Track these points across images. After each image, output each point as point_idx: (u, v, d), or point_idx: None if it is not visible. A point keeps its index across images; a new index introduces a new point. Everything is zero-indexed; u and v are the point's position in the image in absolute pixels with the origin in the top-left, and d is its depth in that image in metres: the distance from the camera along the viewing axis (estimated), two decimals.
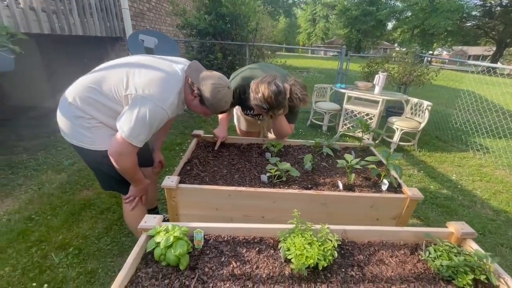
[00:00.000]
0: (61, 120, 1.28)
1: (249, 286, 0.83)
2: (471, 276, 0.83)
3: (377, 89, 3.81)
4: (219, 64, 4.81)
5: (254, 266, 0.90)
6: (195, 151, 1.71)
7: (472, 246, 0.97)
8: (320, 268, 0.86)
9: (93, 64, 1.36)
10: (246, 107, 1.80)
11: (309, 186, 1.38)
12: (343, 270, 0.90)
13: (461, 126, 4.60)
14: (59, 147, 3.33)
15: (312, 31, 43.33)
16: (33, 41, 3.96)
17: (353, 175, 1.38)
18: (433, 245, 0.97)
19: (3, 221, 2.05)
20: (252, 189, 1.29)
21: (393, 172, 1.44)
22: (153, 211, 1.93)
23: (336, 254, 0.90)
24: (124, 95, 1.19)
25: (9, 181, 2.59)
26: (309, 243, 0.90)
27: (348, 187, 1.39)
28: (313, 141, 1.75)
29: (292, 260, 0.86)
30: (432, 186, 2.95)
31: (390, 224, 1.39)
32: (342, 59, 5.16)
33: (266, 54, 5.67)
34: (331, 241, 0.92)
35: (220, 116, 1.82)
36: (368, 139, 4.01)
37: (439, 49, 30.63)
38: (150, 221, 0.99)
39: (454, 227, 1.02)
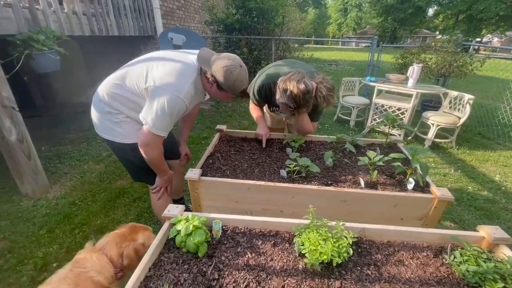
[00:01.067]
0: (94, 116, 1.40)
1: (263, 276, 0.86)
2: (501, 285, 0.77)
3: (410, 82, 3.57)
4: (245, 59, 4.86)
5: (269, 258, 0.93)
6: (218, 145, 1.76)
7: (505, 253, 0.90)
8: (334, 264, 0.86)
9: (127, 62, 1.46)
10: (272, 104, 1.81)
11: (329, 182, 1.36)
12: (359, 268, 0.89)
13: (510, 122, 4.13)
14: (98, 139, 3.63)
15: (343, 22, 41.42)
16: (75, 43, 4.32)
17: (375, 172, 1.33)
18: (459, 249, 0.91)
19: (52, 205, 2.32)
20: (270, 183, 1.31)
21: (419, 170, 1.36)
22: (179, 201, 2.05)
23: (351, 252, 0.89)
24: (144, 88, 1.27)
25: (57, 169, 2.90)
26: (323, 239, 0.90)
27: (371, 185, 1.34)
28: (335, 137, 1.71)
29: (306, 255, 0.87)
30: (470, 187, 2.71)
31: (416, 225, 1.32)
32: (373, 50, 4.90)
33: (293, 48, 5.58)
34: (346, 238, 0.91)
35: (254, 116, 1.86)
36: (399, 135, 3.83)
37: (489, 35, 27.46)
38: (173, 210, 1.06)
39: (486, 231, 0.95)
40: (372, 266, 0.90)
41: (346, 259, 0.88)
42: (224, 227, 1.06)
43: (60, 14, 2.50)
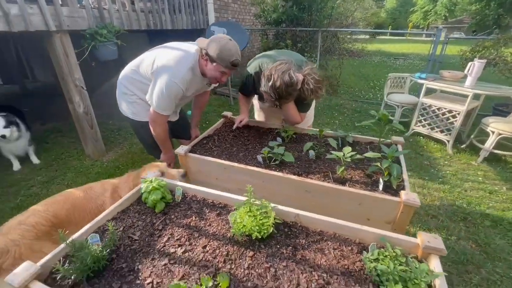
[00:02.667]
0: (117, 96, 1.75)
1: (195, 236, 1.03)
2: (400, 287, 0.76)
3: (469, 80, 3.05)
4: None
5: (207, 224, 1.09)
6: (219, 129, 1.96)
7: (432, 263, 0.84)
8: (254, 237, 0.96)
9: None
10: (260, 95, 1.89)
11: (300, 172, 1.41)
12: (278, 246, 0.97)
13: None
14: None
15: (431, 9, 35.76)
16: (132, 36, 5.07)
17: (342, 168, 1.31)
18: (380, 249, 0.90)
19: (103, 166, 2.93)
20: (242, 165, 1.44)
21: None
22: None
23: (272, 230, 0.97)
24: (150, 73, 1.53)
25: (114, 139, 3.59)
26: (252, 215, 1.01)
27: (341, 181, 1.34)
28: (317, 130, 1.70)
29: (232, 225, 1.00)
30: None
31: (384, 228, 1.26)
32: (436, 43, 4.27)
33: (344, 39, 5.30)
34: (270, 218, 0.99)
35: (240, 104, 1.98)
36: (448, 141, 3.32)
37: None
38: (150, 174, 1.31)
39: (422, 238, 0.89)
40: (291, 247, 0.96)
41: (267, 236, 0.97)
42: (185, 194, 1.26)
43: (122, 12, 3.04)
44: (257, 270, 0.88)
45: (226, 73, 1.51)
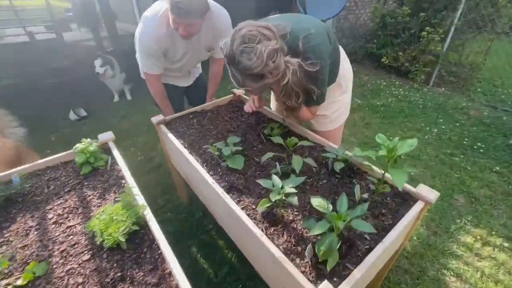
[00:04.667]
0: None
1: (77, 211, 1.01)
2: None
3: None
4: (405, 23, 3.63)
5: (97, 203, 1.04)
6: (221, 106, 1.76)
7: None
8: (98, 241, 0.85)
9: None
10: None
11: (235, 185, 1.10)
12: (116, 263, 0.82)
13: None
14: None
15: None
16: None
17: (266, 204, 0.90)
18: None
19: None
20: (187, 156, 1.25)
21: None
22: None
23: (120, 240, 0.82)
24: None
25: None
26: (110, 215, 0.88)
27: (273, 219, 0.95)
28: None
29: None
30: None
31: None
32: None
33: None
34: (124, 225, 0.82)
35: None
36: None
37: None
38: (101, 136, 1.35)
39: None
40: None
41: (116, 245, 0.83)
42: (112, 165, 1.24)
43: None
44: (76, 279, 0.78)
45: (178, 22, 1.30)
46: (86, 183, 1.14)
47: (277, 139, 1.24)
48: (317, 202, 0.82)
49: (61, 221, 0.97)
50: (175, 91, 1.88)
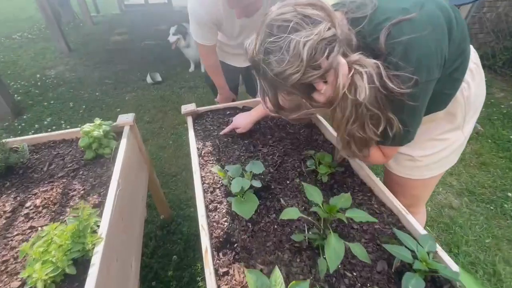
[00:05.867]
0: None
1: (52, 209, 0.86)
2: None
3: None
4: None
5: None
6: None
7: None
8: None
9: None
10: None
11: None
12: None
13: None
14: None
15: None
16: None
17: None
18: None
19: None
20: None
21: None
22: None
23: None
24: None
25: None
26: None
27: None
28: None
29: None
30: None
31: None
32: None
33: None
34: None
35: None
36: None
37: None
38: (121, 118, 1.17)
39: None
40: None
41: None
42: None
43: None
44: None
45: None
46: (81, 172, 0.99)
47: (314, 191, 0.76)
48: None
49: (32, 215, 0.83)
50: (231, 71, 1.61)
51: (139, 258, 0.98)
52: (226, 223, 0.78)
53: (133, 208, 1.03)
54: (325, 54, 0.52)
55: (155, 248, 1.50)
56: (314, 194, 0.67)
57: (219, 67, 1.48)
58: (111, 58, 4.26)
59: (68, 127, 2.61)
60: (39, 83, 3.52)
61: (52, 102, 3.09)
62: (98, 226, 0.73)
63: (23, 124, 2.70)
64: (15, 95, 3.20)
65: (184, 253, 1.48)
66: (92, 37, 5.30)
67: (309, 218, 0.69)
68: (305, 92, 0.60)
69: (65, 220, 0.77)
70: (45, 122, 2.71)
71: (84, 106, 2.99)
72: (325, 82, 0.58)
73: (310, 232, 0.72)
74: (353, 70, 0.56)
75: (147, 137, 2.45)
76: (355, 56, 0.56)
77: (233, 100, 1.64)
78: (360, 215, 0.62)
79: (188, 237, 1.57)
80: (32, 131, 2.58)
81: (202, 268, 1.21)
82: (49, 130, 2.59)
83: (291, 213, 0.67)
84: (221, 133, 1.16)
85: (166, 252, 1.49)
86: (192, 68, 3.80)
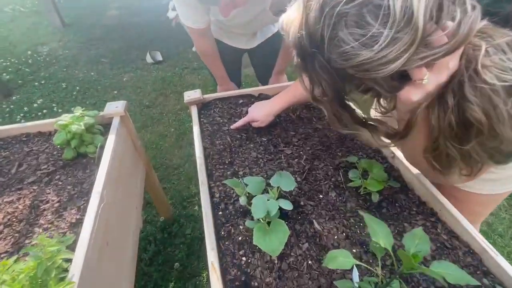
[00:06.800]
0: None
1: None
2: None
3: None
4: None
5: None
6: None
7: None
8: None
9: None
10: None
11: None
12: None
13: None
14: None
15: None
16: None
17: None
18: None
19: None
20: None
21: None
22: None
23: None
24: None
25: None
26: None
27: None
28: None
29: None
30: None
31: None
32: None
33: None
34: None
35: None
36: None
37: None
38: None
39: None
40: None
41: None
42: None
43: None
44: None
45: None
46: (58, 176, 0.78)
47: (379, 227, 0.55)
48: None
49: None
50: (231, 53, 1.35)
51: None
52: (244, 258, 0.58)
53: (123, 225, 0.83)
54: (458, 15, 0.28)
55: (154, 253, 1.33)
56: (379, 231, 0.46)
57: (216, 53, 1.23)
58: (107, 34, 3.93)
59: (60, 110, 2.38)
60: (30, 61, 3.25)
61: (43, 82, 2.84)
62: (70, 262, 0.53)
63: (11, 106, 2.47)
64: (4, 74, 2.95)
65: (188, 260, 1.31)
66: (88, 11, 4.92)
67: (368, 267, 0.49)
68: (391, 87, 0.36)
69: (28, 253, 0.56)
70: (35, 105, 2.47)
71: (78, 88, 2.74)
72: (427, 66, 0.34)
73: (362, 279, 0.52)
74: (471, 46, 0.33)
75: (146, 124, 2.22)
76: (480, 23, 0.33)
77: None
78: (455, 274, 0.40)
79: (192, 241, 1.39)
80: (21, 114, 2.36)
81: (208, 279, 1.04)
82: (39, 114, 2.37)
83: (340, 260, 0.46)
84: (233, 126, 0.94)
85: (167, 258, 1.32)
86: (195, 48, 3.48)
